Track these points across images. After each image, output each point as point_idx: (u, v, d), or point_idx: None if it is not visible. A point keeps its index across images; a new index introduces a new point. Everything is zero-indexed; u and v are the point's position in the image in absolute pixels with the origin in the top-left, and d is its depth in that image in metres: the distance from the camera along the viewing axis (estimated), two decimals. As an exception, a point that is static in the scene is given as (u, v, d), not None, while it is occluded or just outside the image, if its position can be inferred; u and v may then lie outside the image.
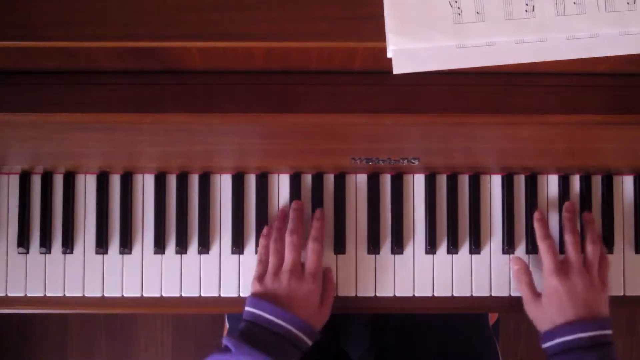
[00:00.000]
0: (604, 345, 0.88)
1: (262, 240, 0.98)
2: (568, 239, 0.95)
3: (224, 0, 0.68)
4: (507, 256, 1.01)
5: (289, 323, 0.90)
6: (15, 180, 1.01)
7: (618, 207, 1.02)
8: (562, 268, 0.93)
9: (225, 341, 0.88)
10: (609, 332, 0.90)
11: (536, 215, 0.99)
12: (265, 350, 0.86)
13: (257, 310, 0.91)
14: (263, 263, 0.96)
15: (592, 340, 0.88)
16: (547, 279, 0.94)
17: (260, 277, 0.95)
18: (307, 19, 0.68)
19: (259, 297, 0.92)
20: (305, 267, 0.95)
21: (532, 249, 1.01)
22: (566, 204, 1.00)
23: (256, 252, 1.00)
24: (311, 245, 0.95)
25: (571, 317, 0.90)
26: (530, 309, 0.95)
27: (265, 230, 0.98)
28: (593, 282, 0.93)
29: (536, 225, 0.98)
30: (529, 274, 0.98)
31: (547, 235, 0.97)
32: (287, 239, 0.95)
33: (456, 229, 1.00)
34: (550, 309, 0.92)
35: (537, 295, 0.95)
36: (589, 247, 0.95)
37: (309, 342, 0.92)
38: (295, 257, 0.94)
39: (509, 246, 1.00)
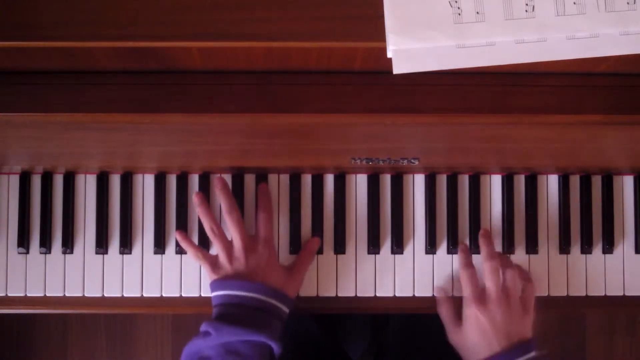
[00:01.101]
0: None
1: (187, 244, 0.97)
2: (485, 266, 0.94)
3: (224, 0, 0.68)
4: (508, 256, 1.00)
5: (258, 293, 0.89)
6: (15, 180, 1.01)
7: (618, 207, 1.02)
8: (482, 297, 0.93)
9: (203, 327, 0.88)
10: (531, 354, 0.90)
11: (461, 246, 0.99)
12: (245, 325, 0.86)
13: (224, 291, 0.91)
14: (207, 256, 0.95)
15: None
16: (467, 308, 0.93)
17: (213, 266, 0.94)
18: (307, 19, 0.68)
19: (221, 279, 0.92)
20: (258, 236, 0.95)
21: (532, 249, 1.01)
22: (481, 232, 0.99)
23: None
24: (260, 215, 0.96)
25: (493, 349, 0.90)
26: (454, 337, 0.95)
27: (179, 235, 0.97)
28: (512, 309, 0.92)
29: (459, 253, 0.98)
30: (450, 304, 0.97)
31: (469, 264, 0.96)
32: (228, 217, 0.94)
33: (456, 229, 1.01)
34: (471, 339, 0.92)
35: (459, 325, 0.95)
36: (508, 273, 0.94)
37: (285, 309, 0.92)
38: (242, 231, 0.93)
39: (509, 246, 1.00)
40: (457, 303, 0.97)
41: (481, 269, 0.95)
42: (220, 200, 0.96)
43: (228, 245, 0.94)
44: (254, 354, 0.86)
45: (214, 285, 0.92)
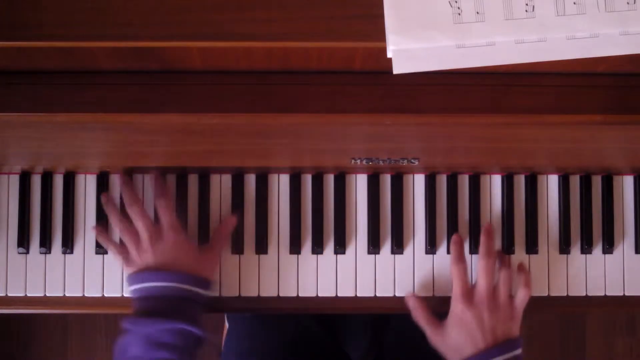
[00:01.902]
0: None
1: (102, 239, 0.98)
2: (480, 263, 0.94)
3: (224, 0, 0.68)
4: (507, 256, 1.00)
5: (170, 281, 0.90)
6: (15, 180, 1.01)
7: (618, 207, 1.02)
8: (470, 294, 0.93)
9: (123, 324, 0.88)
10: (517, 352, 0.90)
11: (454, 238, 0.98)
12: (160, 314, 0.87)
13: (138, 284, 0.91)
14: (121, 250, 0.96)
15: None
16: (454, 305, 0.93)
17: (127, 261, 0.95)
18: (307, 19, 0.68)
19: (134, 274, 0.92)
20: (161, 224, 0.95)
21: (532, 249, 1.01)
22: (485, 225, 0.98)
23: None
24: (158, 202, 0.96)
25: (478, 346, 0.90)
26: (435, 340, 0.94)
27: (96, 230, 0.98)
28: (500, 309, 0.92)
29: (452, 248, 0.97)
30: (425, 308, 0.97)
31: (461, 260, 0.96)
32: (130, 210, 0.95)
33: (456, 229, 1.00)
34: (455, 337, 0.92)
35: (439, 326, 0.94)
36: (502, 273, 0.94)
37: (201, 291, 0.92)
38: (146, 222, 0.94)
39: (509, 246, 1.00)
40: (430, 305, 0.97)
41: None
42: (122, 195, 0.97)
43: (135, 239, 0.94)
44: (178, 341, 0.87)
45: (129, 281, 0.93)
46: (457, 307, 0.92)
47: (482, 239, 0.96)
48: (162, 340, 0.86)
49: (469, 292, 0.93)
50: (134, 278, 0.92)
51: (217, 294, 0.99)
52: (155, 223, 0.95)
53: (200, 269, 0.93)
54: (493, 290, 0.93)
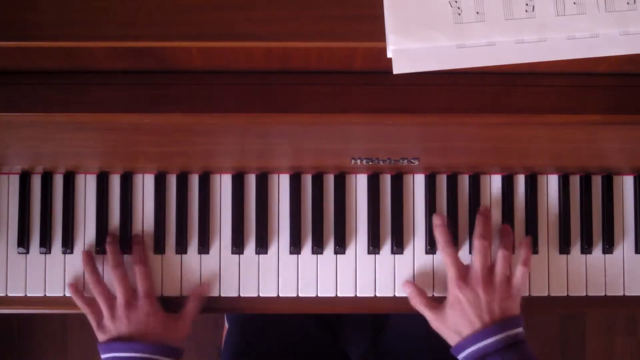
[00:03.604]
0: (513, 345, 0.88)
1: (76, 298, 0.97)
2: (475, 244, 0.94)
3: (224, 0, 0.68)
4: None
5: (142, 352, 0.91)
6: (15, 180, 1.01)
7: (618, 207, 1.02)
8: (464, 276, 0.93)
9: None
10: (518, 330, 0.90)
11: (435, 220, 0.97)
12: None
13: (111, 354, 0.93)
14: (94, 312, 0.96)
15: (500, 343, 0.88)
16: (450, 289, 0.93)
17: (99, 325, 0.95)
18: (307, 19, 0.68)
19: (108, 342, 0.93)
20: (138, 292, 0.96)
21: (532, 249, 1.01)
22: (481, 207, 0.98)
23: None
24: (137, 269, 0.96)
25: (475, 326, 0.90)
26: (436, 324, 0.95)
27: (71, 289, 0.98)
28: (496, 287, 0.92)
29: (436, 232, 0.97)
30: (422, 294, 0.97)
31: (449, 243, 0.95)
32: (113, 273, 0.96)
33: (456, 229, 1.00)
34: (454, 320, 0.92)
35: (438, 309, 0.94)
36: (500, 252, 0.94)
37: None
38: (125, 288, 0.95)
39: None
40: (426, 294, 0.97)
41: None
42: (107, 254, 0.98)
43: (111, 304, 0.95)
44: None
45: (102, 348, 0.94)
46: (453, 289, 0.92)
47: (478, 221, 0.97)
48: None
49: (463, 273, 0.93)
50: (105, 347, 0.93)
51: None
52: (132, 290, 0.96)
53: (172, 338, 0.95)
54: (489, 270, 0.93)
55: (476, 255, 0.93)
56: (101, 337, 0.95)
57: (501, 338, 0.88)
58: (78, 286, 0.98)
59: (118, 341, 0.93)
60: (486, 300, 0.90)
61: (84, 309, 0.97)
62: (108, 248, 0.98)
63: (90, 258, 0.98)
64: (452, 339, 0.92)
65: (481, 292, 0.91)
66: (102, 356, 0.94)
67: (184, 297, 1.00)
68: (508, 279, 0.93)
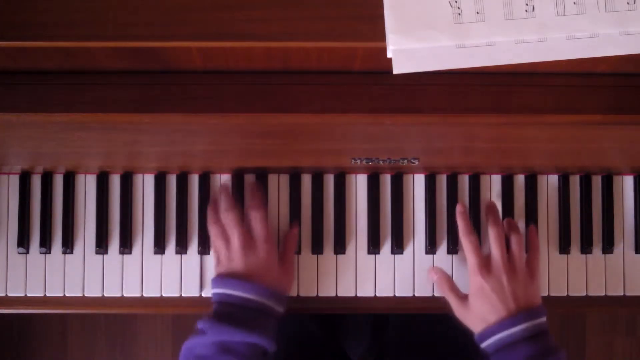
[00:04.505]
0: (537, 336, 0.88)
1: (214, 227, 0.96)
2: (490, 232, 0.94)
3: (224, 0, 0.68)
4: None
5: (255, 294, 0.90)
6: (15, 180, 1.01)
7: (618, 207, 1.02)
8: (487, 264, 0.92)
9: (200, 324, 0.88)
10: (542, 319, 0.89)
11: (458, 208, 0.97)
12: (238, 324, 0.87)
13: (222, 289, 0.91)
14: (218, 248, 0.95)
15: (525, 332, 0.87)
16: (472, 278, 0.93)
17: (218, 261, 0.95)
18: (307, 19, 0.68)
19: (221, 277, 0.92)
20: (254, 235, 0.94)
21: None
22: (487, 202, 0.99)
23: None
24: (252, 214, 0.95)
25: (501, 313, 0.89)
26: (460, 312, 0.94)
27: (212, 210, 0.97)
28: (518, 274, 0.91)
29: (459, 219, 0.96)
30: (449, 280, 0.97)
31: (470, 231, 0.95)
32: (225, 216, 0.95)
33: (456, 229, 1.00)
34: (479, 308, 0.91)
35: (463, 298, 0.94)
36: (513, 238, 0.94)
37: (279, 309, 0.93)
38: (239, 231, 0.93)
39: (508, 246, 1.00)
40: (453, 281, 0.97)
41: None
42: (220, 199, 0.97)
43: (228, 244, 0.94)
44: (247, 353, 0.87)
45: (214, 282, 0.93)
46: (475, 278, 0.92)
47: (487, 210, 0.97)
48: (235, 348, 0.87)
49: (485, 262, 0.92)
50: (219, 282, 0.92)
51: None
52: (249, 233, 0.95)
53: (281, 283, 0.94)
54: (508, 258, 0.93)
55: (495, 243, 0.93)
56: (218, 269, 0.94)
57: (527, 327, 0.88)
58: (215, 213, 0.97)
59: (232, 278, 0.91)
60: (511, 288, 0.90)
61: (217, 241, 0.95)
62: (221, 192, 0.97)
63: (226, 187, 0.98)
64: (476, 327, 0.92)
65: (505, 280, 0.90)
66: (213, 290, 0.92)
67: (183, 297, 1.00)
68: (526, 262, 0.94)
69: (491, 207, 0.97)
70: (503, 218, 1.01)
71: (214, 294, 0.92)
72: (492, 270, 0.91)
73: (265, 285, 0.91)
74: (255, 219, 0.95)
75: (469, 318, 0.93)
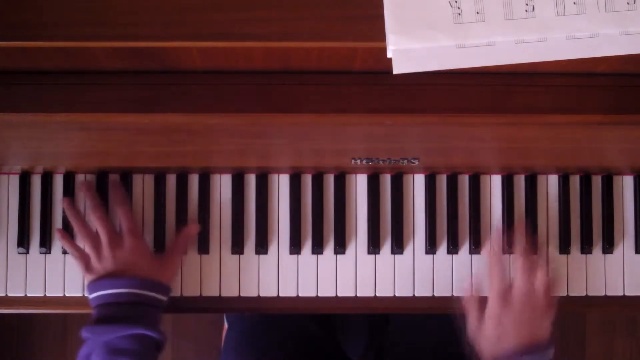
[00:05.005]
0: None
1: (64, 243, 0.98)
2: (520, 262, 0.92)
3: (224, 0, 0.68)
4: (507, 256, 1.00)
5: (128, 287, 0.91)
6: (15, 180, 1.01)
7: (618, 207, 1.02)
8: (508, 293, 0.91)
9: (83, 333, 0.89)
10: (550, 352, 0.90)
11: (494, 233, 0.97)
12: (118, 321, 0.88)
13: (97, 292, 0.92)
14: (81, 257, 0.96)
15: None
16: (492, 303, 0.92)
17: (87, 268, 0.95)
18: (307, 19, 0.68)
19: (94, 281, 0.93)
20: (122, 229, 0.96)
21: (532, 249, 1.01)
22: (519, 222, 0.98)
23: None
24: (118, 209, 0.97)
25: (511, 345, 0.89)
26: (473, 332, 0.93)
27: (58, 234, 0.98)
28: (536, 309, 0.91)
29: (493, 244, 0.94)
30: (479, 301, 0.94)
31: (501, 259, 0.93)
32: (93, 216, 0.96)
33: (456, 229, 1.00)
34: (491, 332, 0.91)
35: (480, 318, 0.93)
36: (540, 277, 0.92)
37: (160, 297, 0.93)
38: (107, 229, 0.95)
39: (509, 246, 1.00)
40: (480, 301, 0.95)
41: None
42: (86, 199, 0.98)
43: (96, 245, 0.95)
44: (137, 347, 0.87)
45: (89, 289, 0.94)
46: (495, 305, 0.91)
47: (519, 236, 0.94)
48: (122, 346, 0.87)
49: (507, 291, 0.91)
50: (93, 286, 0.93)
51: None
52: (115, 229, 0.96)
53: (159, 274, 0.95)
54: (531, 289, 0.91)
55: (522, 274, 0.91)
56: (88, 278, 0.95)
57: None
58: (66, 232, 0.98)
59: (104, 279, 0.92)
60: (527, 322, 0.90)
61: (72, 252, 0.97)
62: (85, 193, 0.98)
63: (70, 202, 0.98)
64: (483, 348, 0.92)
65: (522, 313, 0.90)
66: (90, 296, 0.93)
67: (183, 297, 1.00)
68: (546, 300, 0.92)
69: (522, 232, 0.95)
70: (503, 218, 1.01)
71: (91, 300, 0.93)
72: (512, 303, 0.90)
73: (138, 275, 0.92)
74: (121, 213, 0.97)
75: (480, 339, 0.93)
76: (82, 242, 0.97)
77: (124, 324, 0.88)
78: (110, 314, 0.90)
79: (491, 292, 0.92)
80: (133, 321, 0.88)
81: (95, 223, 0.96)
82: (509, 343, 0.89)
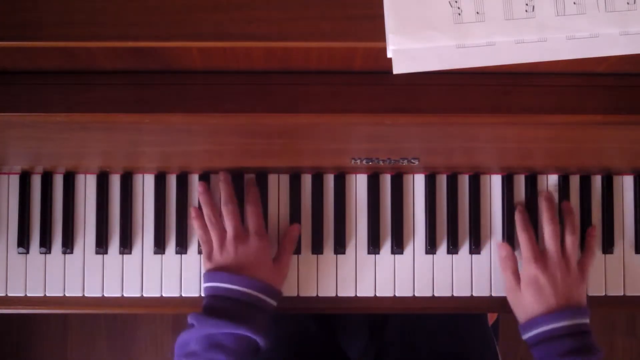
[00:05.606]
0: (580, 334, 0.90)
1: (196, 222, 0.98)
2: (546, 228, 0.96)
3: (224, 0, 0.68)
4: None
5: (245, 286, 0.90)
6: (15, 180, 1.01)
7: (618, 207, 1.02)
8: (542, 258, 0.94)
9: (189, 318, 0.89)
10: (585, 320, 0.92)
11: (519, 208, 0.99)
12: (228, 317, 0.87)
13: (213, 283, 0.92)
14: (207, 242, 0.96)
15: (569, 329, 0.90)
16: (526, 268, 0.94)
17: (209, 255, 0.95)
18: (307, 19, 0.68)
19: (213, 271, 0.93)
20: (249, 229, 0.95)
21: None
22: (545, 193, 1.00)
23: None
24: (249, 208, 0.97)
25: (547, 307, 0.91)
26: (511, 295, 0.96)
27: (193, 212, 0.98)
28: (571, 272, 0.94)
29: (517, 218, 0.98)
30: (515, 260, 0.98)
31: (528, 227, 0.97)
32: (224, 208, 0.95)
33: (456, 229, 1.00)
34: (528, 298, 0.93)
35: (519, 282, 0.96)
36: (568, 238, 0.95)
37: (272, 302, 0.93)
38: (235, 224, 0.95)
39: (509, 246, 1.00)
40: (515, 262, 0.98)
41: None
42: (221, 191, 0.97)
43: (222, 236, 0.95)
44: (237, 347, 0.87)
45: (205, 277, 0.94)
46: (530, 269, 0.93)
47: (545, 205, 0.97)
48: (223, 342, 0.87)
49: (541, 255, 0.94)
50: (210, 275, 0.93)
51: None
52: (243, 226, 0.96)
53: (273, 278, 0.94)
54: (563, 254, 0.94)
55: (550, 240, 0.95)
56: (207, 266, 0.94)
57: (570, 324, 0.90)
58: (200, 212, 0.98)
59: (223, 272, 0.92)
60: (563, 283, 0.92)
61: (200, 237, 0.97)
62: (222, 185, 0.97)
63: (205, 187, 0.98)
64: (522, 315, 0.94)
65: (559, 275, 0.93)
66: (204, 284, 0.93)
67: (183, 297, 1.00)
68: (579, 263, 0.95)
69: (548, 201, 0.98)
70: (503, 218, 1.01)
71: (205, 288, 0.93)
72: (547, 264, 0.93)
73: (256, 278, 0.91)
74: (252, 213, 0.96)
75: (516, 305, 0.95)
76: (211, 229, 0.96)
77: (232, 321, 0.87)
78: (222, 307, 0.89)
79: (525, 258, 0.95)
80: (242, 321, 0.88)
81: (226, 216, 0.95)
82: (548, 306, 0.91)
